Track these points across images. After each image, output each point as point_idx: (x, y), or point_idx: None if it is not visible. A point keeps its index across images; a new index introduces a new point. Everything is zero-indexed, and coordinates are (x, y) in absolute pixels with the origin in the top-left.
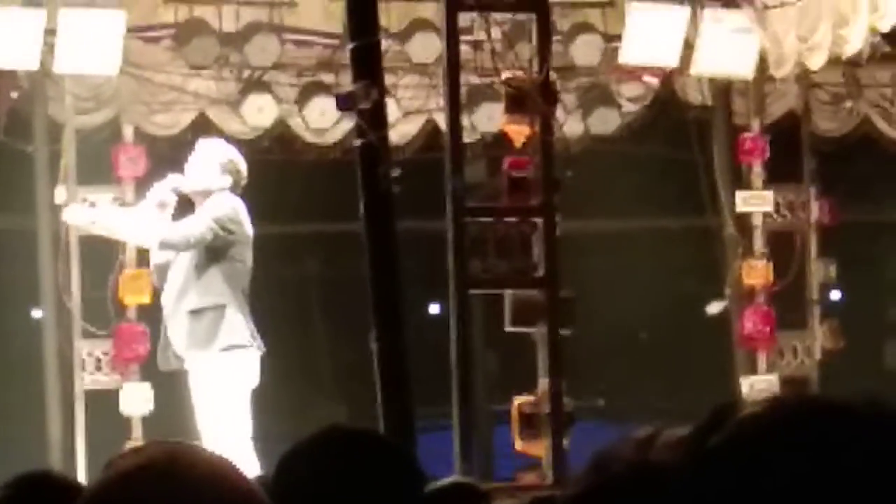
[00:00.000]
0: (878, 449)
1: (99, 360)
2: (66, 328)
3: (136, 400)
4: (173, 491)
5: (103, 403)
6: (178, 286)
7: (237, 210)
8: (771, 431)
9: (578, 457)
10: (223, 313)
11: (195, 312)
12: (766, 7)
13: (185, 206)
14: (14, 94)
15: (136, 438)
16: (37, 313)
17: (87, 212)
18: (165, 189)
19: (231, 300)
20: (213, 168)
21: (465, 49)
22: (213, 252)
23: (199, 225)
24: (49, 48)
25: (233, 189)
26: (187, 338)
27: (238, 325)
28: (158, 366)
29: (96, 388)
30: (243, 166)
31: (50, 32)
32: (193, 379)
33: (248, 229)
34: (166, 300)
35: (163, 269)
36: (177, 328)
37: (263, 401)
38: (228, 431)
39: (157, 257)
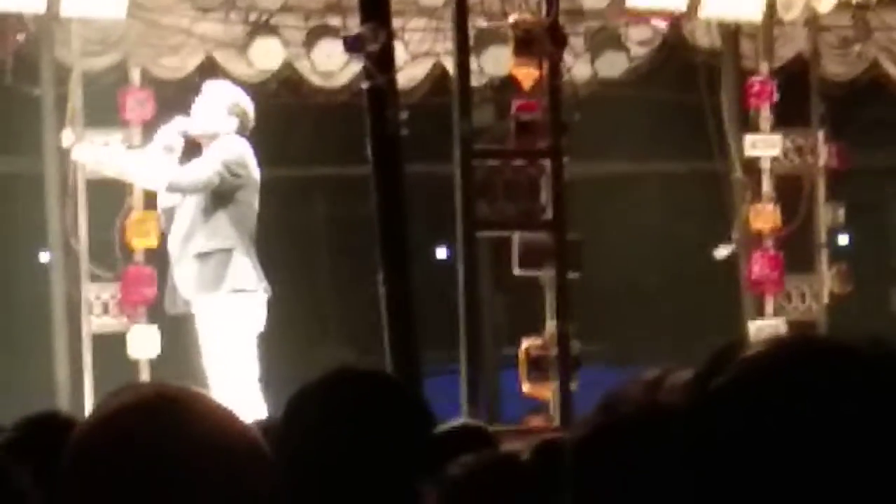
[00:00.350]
0: (881, 389)
1: (106, 304)
2: (74, 271)
3: (144, 343)
4: (162, 429)
5: (111, 346)
6: (185, 230)
7: (244, 153)
8: (773, 372)
9: (585, 400)
10: (230, 256)
11: (202, 256)
12: None
13: (193, 149)
14: (21, 37)
15: (144, 381)
16: (44, 257)
17: (95, 151)
18: (172, 132)
19: (238, 243)
20: (220, 111)
21: None
22: (220, 196)
23: (206, 169)
24: None
25: (240, 131)
26: (194, 281)
27: (245, 269)
28: (166, 309)
29: (104, 332)
30: (250, 108)
31: None
32: (200, 322)
33: (255, 173)
34: (173, 244)
35: (170, 213)
36: (183, 272)
37: (270, 344)
38: (235, 374)
39: (164, 201)
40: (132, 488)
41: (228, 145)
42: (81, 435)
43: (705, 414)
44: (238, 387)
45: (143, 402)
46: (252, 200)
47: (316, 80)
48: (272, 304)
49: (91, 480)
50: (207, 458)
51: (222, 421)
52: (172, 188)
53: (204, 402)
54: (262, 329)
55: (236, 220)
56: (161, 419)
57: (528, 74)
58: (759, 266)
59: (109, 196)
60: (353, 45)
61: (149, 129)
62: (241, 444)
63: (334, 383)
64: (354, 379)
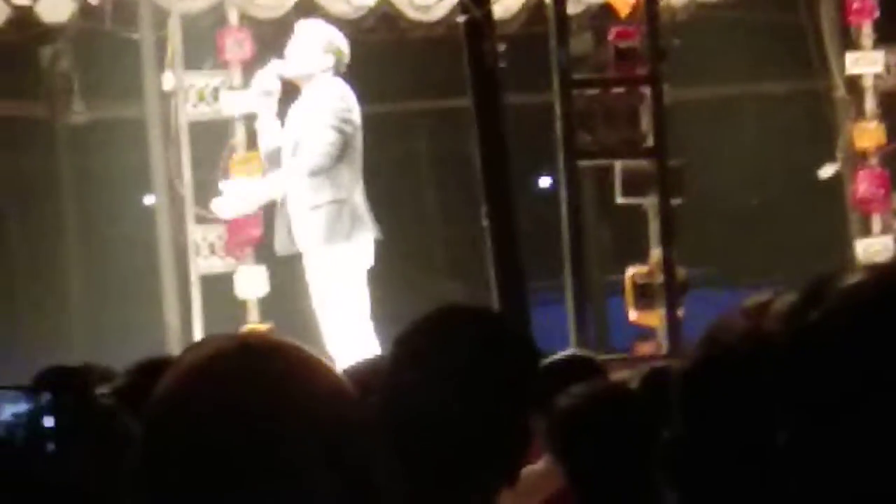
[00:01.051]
0: None
1: (213, 245)
2: (179, 214)
3: (252, 283)
4: (245, 380)
5: (219, 287)
6: (300, 181)
7: (348, 98)
8: (869, 304)
9: (693, 325)
10: (345, 204)
11: (319, 207)
12: None
13: (291, 90)
14: None
15: (253, 321)
16: (149, 200)
17: (236, 203)
18: (269, 76)
19: (352, 190)
20: (315, 50)
21: None
22: None
23: (330, 135)
24: None
25: (335, 69)
26: (312, 231)
27: (359, 213)
28: (276, 250)
29: (211, 273)
30: (344, 45)
31: None
32: (313, 267)
33: (358, 114)
34: (290, 194)
35: (273, 155)
36: (300, 221)
37: (379, 280)
38: (346, 314)
39: (266, 144)
40: (213, 440)
41: (331, 95)
42: (163, 386)
43: (803, 347)
44: (349, 326)
45: (225, 352)
46: (359, 143)
47: (413, 14)
48: (379, 241)
49: (171, 433)
50: (292, 409)
51: (309, 371)
52: (316, 173)
53: (291, 352)
54: (370, 266)
55: (349, 166)
56: (244, 370)
57: (625, 1)
58: (864, 184)
59: (212, 137)
60: None
61: (248, 69)
62: (329, 395)
63: (440, 321)
64: (460, 316)
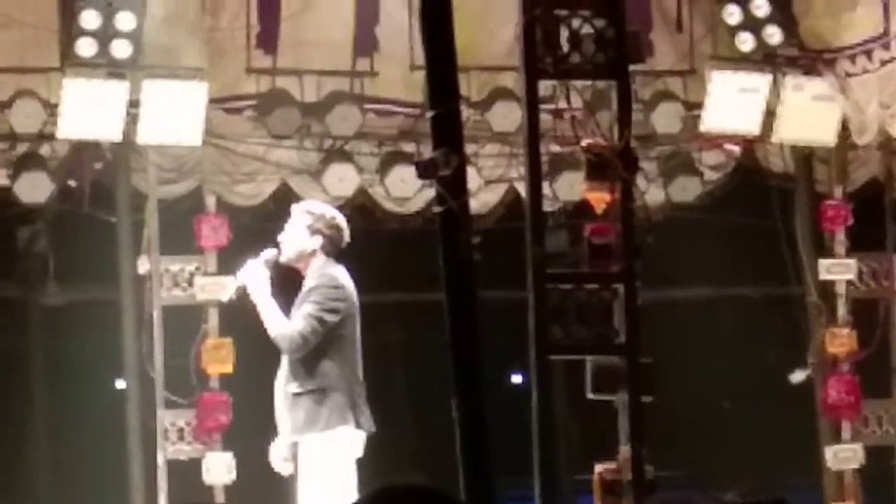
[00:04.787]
0: None
1: (181, 430)
2: (149, 398)
3: (219, 469)
4: None
5: (186, 473)
6: (285, 368)
7: (339, 285)
8: None
9: None
10: (326, 395)
11: (298, 395)
12: (848, 74)
13: (290, 274)
14: (98, 165)
15: None
16: (120, 384)
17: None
18: (259, 263)
19: (335, 380)
20: (300, 230)
21: (545, 118)
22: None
23: (303, 325)
24: (132, 119)
25: (331, 247)
26: (291, 420)
27: (339, 405)
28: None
29: (179, 458)
30: (339, 221)
31: (133, 103)
32: (298, 458)
33: (354, 299)
34: (277, 384)
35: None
36: (281, 407)
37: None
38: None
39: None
40: None
41: (323, 280)
42: None
43: None
44: None
45: None
46: (352, 330)
47: (390, 206)
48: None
49: None
50: None
51: None
52: (276, 341)
53: None
54: (356, 458)
55: (336, 354)
56: None
57: (600, 199)
58: (835, 390)
59: (185, 322)
60: (425, 170)
61: (224, 256)
62: None
63: (378, 500)
64: (399, 497)
